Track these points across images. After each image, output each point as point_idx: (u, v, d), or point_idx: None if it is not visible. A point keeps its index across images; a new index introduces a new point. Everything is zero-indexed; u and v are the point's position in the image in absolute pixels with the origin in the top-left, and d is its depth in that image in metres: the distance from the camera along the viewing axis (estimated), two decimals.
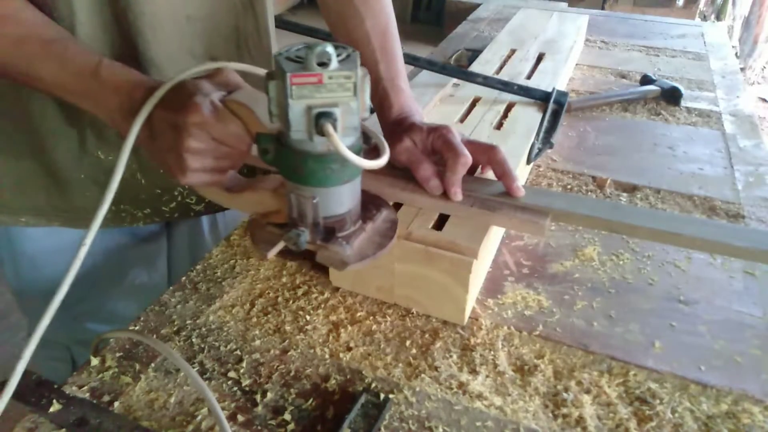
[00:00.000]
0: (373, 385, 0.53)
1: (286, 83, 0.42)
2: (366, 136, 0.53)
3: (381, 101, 0.70)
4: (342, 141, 0.43)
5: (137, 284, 0.82)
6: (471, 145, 0.63)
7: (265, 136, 0.48)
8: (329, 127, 0.42)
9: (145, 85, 0.51)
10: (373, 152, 0.52)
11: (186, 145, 0.48)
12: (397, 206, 0.64)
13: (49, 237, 0.73)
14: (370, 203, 0.55)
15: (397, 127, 0.67)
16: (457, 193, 0.61)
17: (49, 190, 0.70)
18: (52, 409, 0.49)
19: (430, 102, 0.88)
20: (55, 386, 0.51)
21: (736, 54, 3.08)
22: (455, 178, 0.60)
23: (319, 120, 0.42)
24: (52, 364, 0.86)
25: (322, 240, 0.50)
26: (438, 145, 0.62)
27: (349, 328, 0.59)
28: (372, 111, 0.85)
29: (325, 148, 0.45)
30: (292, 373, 0.54)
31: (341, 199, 0.49)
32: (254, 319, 0.60)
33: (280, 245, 0.51)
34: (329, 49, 0.42)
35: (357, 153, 0.45)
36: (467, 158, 0.60)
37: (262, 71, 0.57)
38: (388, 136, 0.68)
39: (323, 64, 0.42)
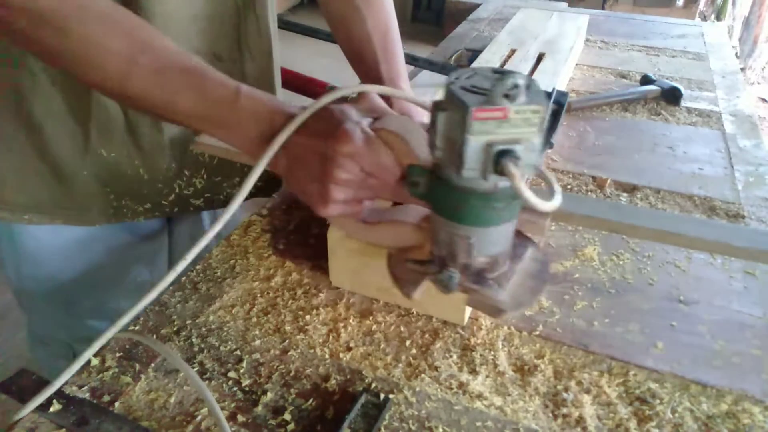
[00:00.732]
0: (373, 385, 0.53)
1: (467, 118, 0.37)
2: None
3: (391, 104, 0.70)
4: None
5: (139, 282, 0.82)
6: None
7: (417, 169, 0.44)
8: (511, 167, 0.38)
9: (286, 112, 0.49)
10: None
11: (335, 175, 0.46)
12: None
13: (50, 235, 0.74)
14: (515, 239, 0.50)
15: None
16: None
17: (53, 188, 0.70)
18: (52, 409, 0.49)
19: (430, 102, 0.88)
20: (55, 386, 0.51)
21: (736, 54, 3.07)
22: None
23: (500, 158, 0.38)
24: (53, 361, 0.86)
25: (473, 282, 0.46)
26: None
27: (349, 328, 0.59)
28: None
29: (492, 186, 0.41)
30: (292, 373, 0.54)
31: (498, 239, 0.45)
32: (254, 319, 0.60)
33: (425, 284, 0.48)
34: (520, 80, 0.38)
35: None
36: None
37: (409, 96, 0.55)
38: None
39: (508, 96, 0.38)
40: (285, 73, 0.92)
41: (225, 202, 0.82)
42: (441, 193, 0.44)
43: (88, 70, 0.49)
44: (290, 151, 0.48)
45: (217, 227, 0.52)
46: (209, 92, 0.50)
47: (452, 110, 0.39)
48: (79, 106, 0.65)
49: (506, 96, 0.38)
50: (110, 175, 0.71)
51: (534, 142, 0.40)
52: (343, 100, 0.50)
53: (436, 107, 0.40)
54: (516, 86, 0.37)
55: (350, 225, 0.53)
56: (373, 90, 0.50)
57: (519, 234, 0.51)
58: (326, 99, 0.48)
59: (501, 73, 0.39)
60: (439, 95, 0.41)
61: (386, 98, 0.68)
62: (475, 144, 0.38)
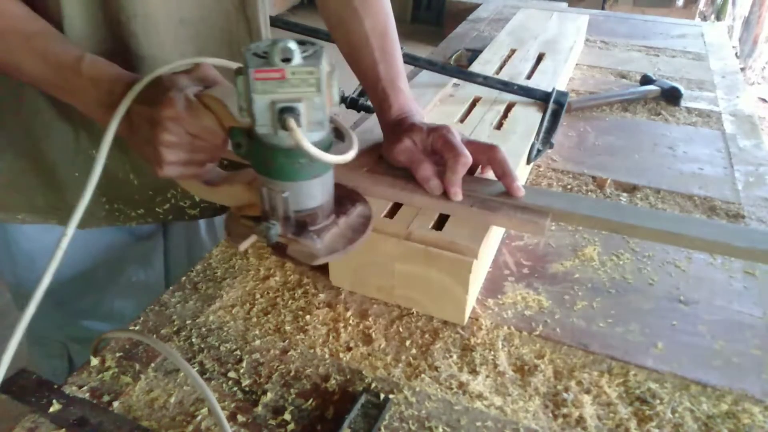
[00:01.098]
0: (373, 385, 0.53)
1: (249, 78, 0.43)
2: (339, 131, 0.54)
3: (380, 102, 0.70)
4: (307, 136, 0.43)
5: (134, 282, 0.82)
6: (471, 145, 0.63)
7: (237, 130, 0.49)
8: (291, 122, 0.43)
9: (124, 80, 0.52)
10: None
11: (161, 138, 0.49)
12: (397, 206, 0.64)
13: (45, 235, 0.74)
14: (345, 198, 0.56)
15: (397, 127, 0.66)
16: (458, 193, 0.61)
17: (45, 189, 0.70)
18: (52, 409, 0.49)
19: (430, 102, 0.88)
20: (55, 386, 0.51)
21: (736, 54, 3.07)
22: (455, 178, 0.60)
23: (282, 115, 0.43)
24: (48, 361, 0.86)
25: (293, 234, 0.50)
26: (438, 145, 0.62)
27: (349, 328, 0.59)
28: (372, 111, 0.85)
29: (294, 143, 0.45)
30: (292, 373, 0.54)
31: (312, 193, 0.50)
32: (254, 319, 0.60)
33: (252, 238, 0.52)
34: (292, 45, 0.42)
35: (326, 148, 0.46)
36: (467, 158, 0.60)
37: (221, 62, 0.58)
38: (388, 137, 0.68)
39: (287, 60, 0.42)
40: None
41: (222, 210, 0.82)
42: (255, 151, 0.48)
43: None
44: (129, 117, 0.51)
45: None
46: (51, 57, 0.53)
47: (244, 73, 0.43)
48: (67, 108, 0.65)
49: (284, 60, 0.42)
50: (101, 178, 0.71)
51: (315, 101, 0.44)
52: (183, 73, 0.53)
53: (236, 72, 0.45)
54: (291, 50, 0.42)
55: (195, 186, 0.57)
56: (210, 62, 0.54)
57: (352, 192, 0.58)
58: (163, 69, 0.52)
59: (282, 40, 0.43)
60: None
61: (384, 98, 0.68)
62: (260, 102, 0.43)
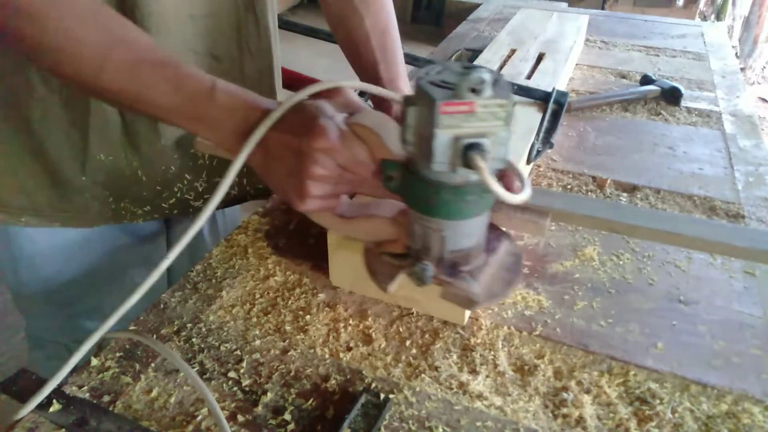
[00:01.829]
0: (373, 385, 0.53)
1: (434, 112, 0.38)
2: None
3: (380, 102, 0.70)
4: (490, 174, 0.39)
5: (136, 283, 0.82)
6: None
7: (391, 163, 0.45)
8: (479, 160, 0.39)
9: (261, 107, 0.49)
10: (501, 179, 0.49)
11: (311, 171, 0.46)
12: None
13: (47, 237, 0.73)
14: (489, 233, 0.51)
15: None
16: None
17: (50, 191, 0.70)
18: (52, 409, 0.49)
19: None
20: (55, 386, 0.51)
21: (736, 54, 3.07)
22: None
23: (468, 152, 0.39)
24: (50, 363, 0.86)
25: (447, 275, 0.47)
26: None
27: (349, 328, 0.59)
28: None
29: (463, 180, 0.42)
30: (292, 373, 0.54)
31: (471, 232, 0.46)
32: (254, 319, 0.60)
33: (400, 278, 0.49)
34: (485, 75, 0.38)
35: None
36: None
37: (382, 91, 0.56)
38: None
39: (475, 91, 0.39)
40: (285, 73, 0.91)
41: (225, 203, 0.82)
42: (413, 186, 0.44)
43: (62, 63, 0.49)
44: (266, 146, 0.48)
45: (198, 225, 0.53)
46: (184, 86, 0.50)
47: (421, 105, 0.40)
48: (77, 111, 0.65)
49: (473, 90, 0.38)
50: (109, 178, 0.71)
51: (501, 135, 0.40)
52: (319, 95, 0.50)
53: (406, 102, 0.41)
54: (482, 81, 0.38)
55: (328, 219, 0.54)
56: (350, 86, 0.51)
57: (494, 228, 0.53)
58: (302, 94, 0.49)
59: (468, 68, 0.39)
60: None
61: (383, 100, 0.68)
62: (443, 137, 0.39)
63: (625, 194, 0.84)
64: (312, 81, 0.91)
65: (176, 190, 0.75)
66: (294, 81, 0.92)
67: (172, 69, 0.50)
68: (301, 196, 0.48)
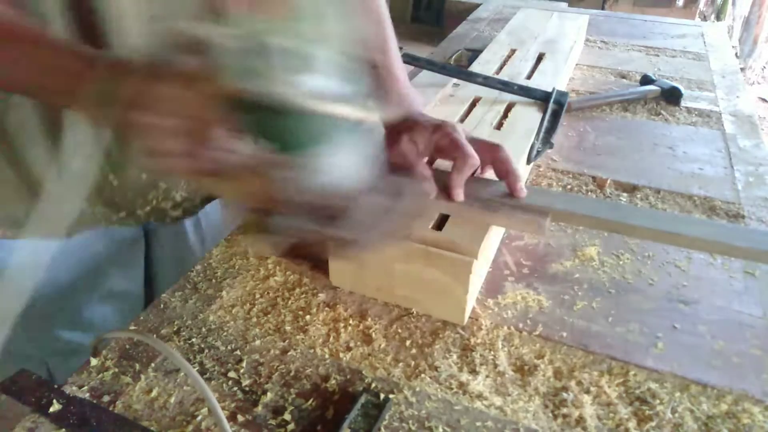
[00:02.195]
0: (373, 385, 0.53)
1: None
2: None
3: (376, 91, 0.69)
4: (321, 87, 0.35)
5: (115, 291, 0.80)
6: (475, 143, 0.62)
7: (230, 101, 0.39)
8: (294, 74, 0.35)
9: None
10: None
11: (144, 122, 0.44)
12: None
13: (24, 251, 0.71)
14: (388, 177, 0.45)
15: (396, 123, 0.65)
16: (460, 194, 0.61)
17: (29, 202, 0.67)
18: (52, 409, 0.49)
19: (430, 102, 0.88)
20: (55, 386, 0.51)
21: (736, 54, 3.07)
22: (460, 179, 0.60)
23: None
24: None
25: (316, 225, 0.41)
26: (443, 144, 0.61)
27: (349, 328, 0.59)
28: None
29: (309, 105, 0.37)
30: (292, 373, 0.54)
31: (332, 169, 0.40)
32: (254, 319, 0.60)
33: (269, 234, 0.43)
34: None
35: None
36: (475, 159, 0.60)
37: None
38: (387, 132, 0.66)
39: None
40: None
41: (205, 204, 0.81)
42: (259, 120, 0.39)
43: None
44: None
45: None
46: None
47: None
48: (50, 118, 0.63)
49: None
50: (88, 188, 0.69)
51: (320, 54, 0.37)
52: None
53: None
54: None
55: (203, 182, 0.47)
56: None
57: (399, 173, 0.51)
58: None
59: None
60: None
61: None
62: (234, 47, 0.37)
63: (625, 194, 0.84)
64: None
65: (151, 198, 0.73)
66: None
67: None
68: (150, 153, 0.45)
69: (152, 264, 0.86)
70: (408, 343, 0.58)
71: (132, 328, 0.59)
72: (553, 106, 0.91)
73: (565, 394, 0.53)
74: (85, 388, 0.52)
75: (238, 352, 0.56)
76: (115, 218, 0.73)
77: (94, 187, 0.69)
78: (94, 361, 0.55)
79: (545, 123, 0.87)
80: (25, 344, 0.80)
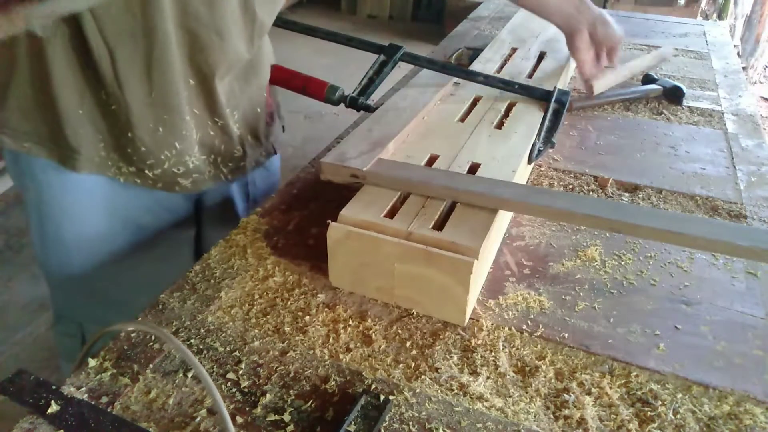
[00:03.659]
0: (373, 386, 0.53)
1: None
2: None
3: None
4: None
5: (167, 256, 0.86)
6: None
7: None
8: None
9: None
10: None
11: None
12: (397, 206, 0.64)
13: (74, 227, 0.78)
14: None
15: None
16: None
17: (51, 121, 0.72)
18: (50, 410, 0.49)
19: (430, 101, 0.88)
20: (54, 387, 0.51)
21: (738, 53, 3.06)
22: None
23: None
24: (63, 339, 0.89)
25: None
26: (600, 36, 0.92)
27: (349, 329, 0.59)
28: (372, 110, 0.85)
29: None
30: (292, 375, 0.54)
31: None
32: (253, 320, 0.60)
33: None
34: None
35: None
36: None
37: None
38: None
39: None
40: (283, 72, 0.91)
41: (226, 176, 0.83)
42: None
43: None
44: None
45: None
46: None
47: None
48: (77, 49, 0.67)
49: None
50: (103, 120, 0.72)
51: None
52: None
53: None
54: None
55: None
56: None
57: None
58: None
59: None
60: None
61: None
62: None
63: (626, 194, 0.83)
64: (311, 80, 0.91)
65: (163, 158, 0.75)
66: (293, 80, 0.92)
67: None
68: None
69: (202, 236, 0.91)
70: (408, 344, 0.58)
71: (132, 328, 0.59)
72: (555, 105, 0.91)
73: (566, 396, 0.52)
74: (84, 389, 0.52)
75: (237, 353, 0.56)
76: (125, 170, 0.76)
77: (114, 131, 0.73)
78: (92, 362, 0.54)
79: (546, 122, 0.86)
80: (65, 306, 0.86)
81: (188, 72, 0.72)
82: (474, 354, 0.56)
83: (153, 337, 0.57)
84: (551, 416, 0.50)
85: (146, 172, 0.76)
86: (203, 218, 0.91)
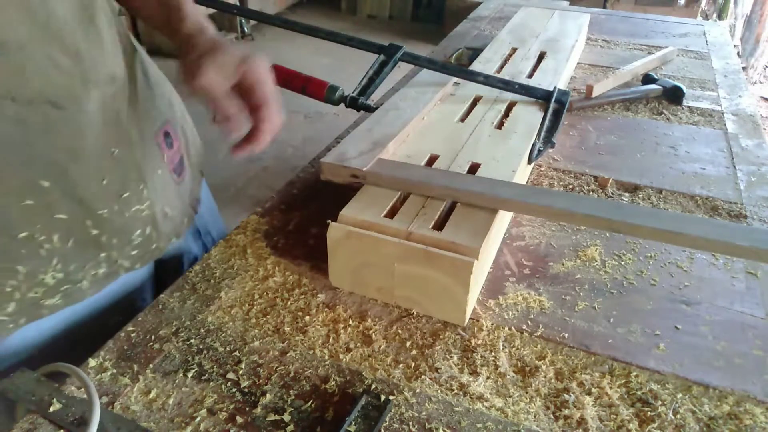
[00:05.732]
0: (373, 386, 0.53)
1: None
2: None
3: (169, 13, 0.61)
4: None
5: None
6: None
7: None
8: None
9: None
10: None
11: None
12: (397, 206, 0.64)
13: None
14: None
15: (193, 47, 0.58)
16: (267, 141, 0.56)
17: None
18: (51, 409, 0.49)
19: (430, 101, 0.88)
20: (55, 386, 0.51)
21: (738, 53, 3.07)
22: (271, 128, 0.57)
23: None
24: None
25: None
26: (249, 83, 0.56)
27: (349, 329, 0.59)
28: (372, 110, 0.85)
29: None
30: (292, 375, 0.54)
31: None
32: (253, 320, 0.60)
33: None
34: None
35: None
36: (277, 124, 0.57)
37: None
38: (184, 57, 0.58)
39: None
40: (283, 72, 0.91)
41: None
42: None
43: None
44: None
45: None
46: None
47: None
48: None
49: None
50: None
51: None
52: None
53: None
54: None
55: None
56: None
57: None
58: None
59: None
60: None
61: None
62: None
63: (627, 194, 0.83)
64: (311, 80, 0.91)
65: (10, 289, 0.57)
66: (293, 80, 0.92)
67: None
68: None
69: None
70: (408, 344, 0.57)
71: (130, 328, 0.59)
72: (555, 105, 0.91)
73: (566, 396, 0.52)
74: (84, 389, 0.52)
75: (237, 353, 0.56)
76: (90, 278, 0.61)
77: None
78: (92, 362, 0.54)
79: (546, 122, 0.86)
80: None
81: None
82: (474, 354, 0.56)
83: (153, 337, 0.57)
84: (551, 416, 0.50)
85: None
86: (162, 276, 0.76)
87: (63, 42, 0.53)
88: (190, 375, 0.53)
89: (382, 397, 0.51)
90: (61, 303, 0.61)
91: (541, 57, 1.11)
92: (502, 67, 1.06)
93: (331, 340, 0.58)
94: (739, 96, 1.15)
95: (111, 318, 0.65)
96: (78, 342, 0.62)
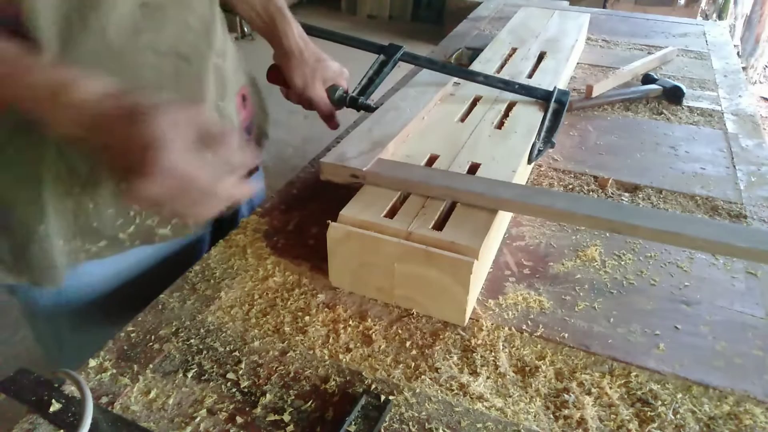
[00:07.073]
0: (373, 386, 0.53)
1: None
2: None
3: (273, 26, 0.81)
4: None
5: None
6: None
7: None
8: None
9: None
10: None
11: None
12: (397, 206, 0.64)
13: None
14: None
15: (302, 61, 0.83)
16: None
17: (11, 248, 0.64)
18: (51, 410, 0.49)
19: (430, 101, 0.88)
20: (55, 386, 0.51)
21: (738, 53, 3.06)
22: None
23: None
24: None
25: None
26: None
27: (349, 329, 0.59)
28: (373, 110, 0.85)
29: None
30: (291, 375, 0.54)
31: None
32: (253, 320, 0.60)
33: None
34: None
35: None
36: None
37: None
38: (292, 67, 0.83)
39: None
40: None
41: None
42: None
43: None
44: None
45: None
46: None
47: None
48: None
49: None
50: (54, 218, 0.62)
51: None
52: None
53: None
54: None
55: None
56: None
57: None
58: None
59: None
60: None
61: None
62: None
63: (626, 194, 0.83)
64: None
65: (132, 214, 0.67)
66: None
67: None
68: None
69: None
70: (408, 344, 0.57)
71: (130, 328, 0.59)
72: (555, 105, 0.91)
73: (566, 396, 0.52)
74: None
75: (236, 353, 0.56)
76: (94, 249, 0.67)
77: (68, 217, 0.64)
78: (92, 362, 0.54)
79: (546, 122, 0.86)
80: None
81: None
82: (474, 354, 0.56)
83: (153, 337, 0.57)
84: (551, 416, 0.50)
85: (119, 236, 0.67)
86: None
87: (195, 11, 0.65)
88: (190, 375, 0.53)
89: (382, 397, 0.51)
90: (170, 234, 0.72)
91: (541, 57, 1.11)
92: (502, 67, 1.06)
93: (331, 340, 0.58)
94: (739, 96, 1.15)
95: (178, 264, 0.71)
96: (150, 284, 0.68)
